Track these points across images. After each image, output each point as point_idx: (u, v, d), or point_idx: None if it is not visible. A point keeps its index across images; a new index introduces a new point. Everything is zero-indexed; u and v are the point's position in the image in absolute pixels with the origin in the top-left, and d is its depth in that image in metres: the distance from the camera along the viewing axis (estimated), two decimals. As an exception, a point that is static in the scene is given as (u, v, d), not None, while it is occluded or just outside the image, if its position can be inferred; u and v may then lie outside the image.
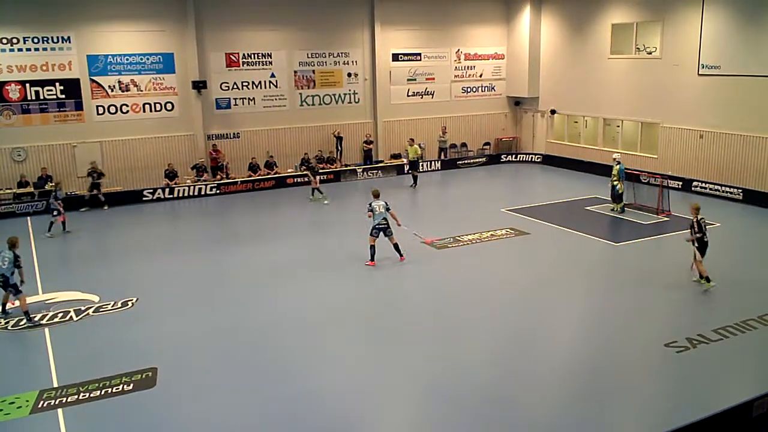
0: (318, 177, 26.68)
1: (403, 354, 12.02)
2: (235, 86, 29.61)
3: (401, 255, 17.26)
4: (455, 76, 34.18)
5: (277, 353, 12.17)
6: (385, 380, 10.99)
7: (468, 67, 34.44)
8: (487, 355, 11.96)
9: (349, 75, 31.87)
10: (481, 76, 34.79)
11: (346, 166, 30.97)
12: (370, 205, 17.28)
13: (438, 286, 15.71)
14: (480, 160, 33.79)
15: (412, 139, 29.33)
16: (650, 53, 28.13)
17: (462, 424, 9.50)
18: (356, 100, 32.13)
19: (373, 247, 17.15)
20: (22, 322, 13.91)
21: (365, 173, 30.80)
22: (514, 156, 34.46)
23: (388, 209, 17.17)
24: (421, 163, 30.06)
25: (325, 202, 25.49)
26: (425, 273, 16.68)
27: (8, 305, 14.45)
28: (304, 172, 28.13)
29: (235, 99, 29.71)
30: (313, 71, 31.12)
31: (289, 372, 11.38)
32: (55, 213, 21.67)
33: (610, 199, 22.83)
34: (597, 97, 30.70)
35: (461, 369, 11.33)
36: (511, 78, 35.07)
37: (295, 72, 30.70)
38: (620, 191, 22.37)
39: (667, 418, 9.40)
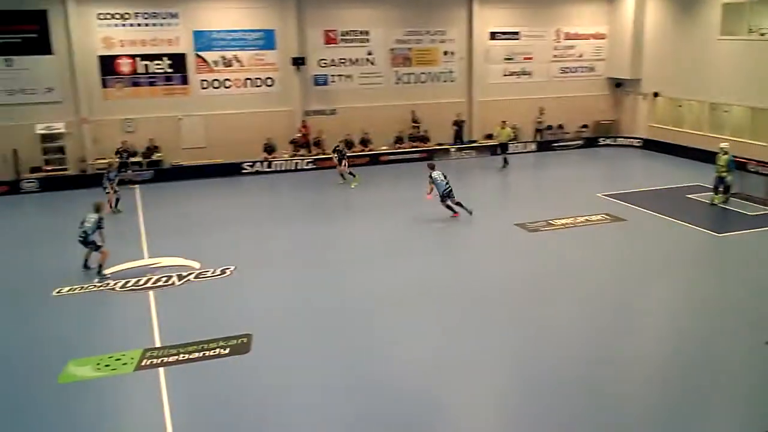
0: (345, 161, 25.83)
1: (492, 334, 12.05)
2: (332, 63, 30.02)
3: (455, 212, 19.31)
4: (554, 55, 33.46)
5: (366, 328, 12.42)
6: (471, 358, 11.07)
7: (567, 46, 33.64)
8: (580, 342, 11.80)
9: (446, 53, 31.72)
10: (580, 56, 33.91)
11: (439, 145, 30.94)
12: (431, 176, 19.43)
13: (531, 269, 15.58)
14: (577, 142, 33.04)
15: (504, 122, 28.96)
16: (764, 35, 26.69)
17: (549, 408, 9.50)
18: (452, 79, 31.98)
19: (448, 206, 19.15)
20: (114, 283, 14.78)
21: (458, 152, 30.70)
22: (612, 139, 33.50)
23: (445, 177, 19.40)
24: (513, 145, 29.71)
25: (354, 185, 25.29)
26: (518, 255, 16.58)
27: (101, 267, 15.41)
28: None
29: (333, 75, 30.13)
30: (410, 49, 31.14)
31: (377, 347, 11.60)
32: (107, 191, 21.59)
33: (713, 189, 21.47)
34: (704, 80, 29.37)
35: (551, 354, 11.27)
36: (612, 59, 34.00)
37: (392, 50, 30.81)
38: (729, 183, 21.14)
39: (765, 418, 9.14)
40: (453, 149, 30.63)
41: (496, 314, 12.91)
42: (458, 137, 31.51)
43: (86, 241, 15.39)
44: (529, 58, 33.05)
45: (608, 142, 33.31)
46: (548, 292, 14.07)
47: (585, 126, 33.97)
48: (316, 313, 13.19)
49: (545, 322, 12.51)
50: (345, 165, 25.82)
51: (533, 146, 32.08)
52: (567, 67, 33.83)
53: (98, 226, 15.49)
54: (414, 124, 31.00)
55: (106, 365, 11.12)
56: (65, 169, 26.32)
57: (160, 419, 9.42)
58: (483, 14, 31.59)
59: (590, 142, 33.21)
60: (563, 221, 19.14)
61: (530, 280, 14.79)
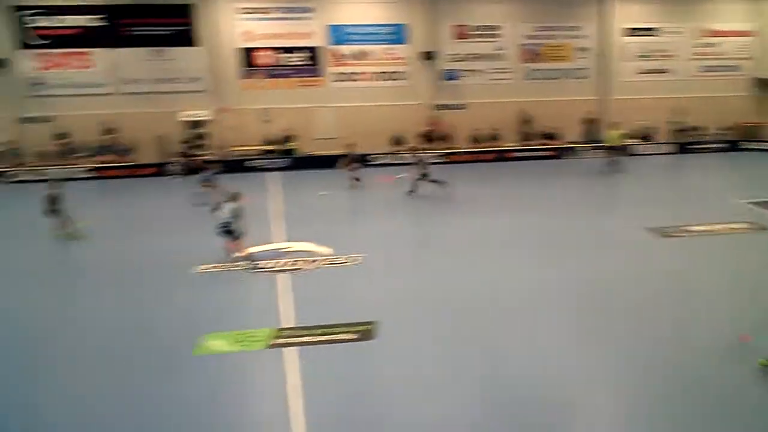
0: (353, 164, 24.31)
1: (614, 343, 11.72)
2: (462, 58, 30.12)
3: None
4: (693, 53, 32.05)
5: (496, 324, 12.38)
6: (593, 368, 10.81)
7: (708, 44, 32.12)
8: (717, 353, 11.17)
9: (578, 50, 31.09)
10: (723, 54, 32.29)
11: (568, 143, 30.42)
12: None
13: (658, 275, 14.98)
14: (717, 145, 31.51)
15: (616, 124, 27.91)
16: None
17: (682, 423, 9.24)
18: (584, 76, 31.31)
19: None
20: (249, 265, 15.56)
21: (588, 152, 30.05)
22: (757, 143, 31.70)
23: None
24: (644, 146, 28.76)
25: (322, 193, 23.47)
26: (647, 261, 15.98)
27: (236, 253, 16.19)
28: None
29: (462, 70, 30.24)
30: (541, 45, 30.75)
31: (506, 345, 11.50)
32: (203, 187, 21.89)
33: None
34: None
35: (681, 365, 10.82)
36: (760, 58, 32.14)
37: (522, 45, 30.55)
38: None
39: None
40: (581, 148, 30.01)
41: (619, 324, 12.49)
42: (589, 136, 30.83)
43: (228, 231, 16.04)
44: (667, 56, 31.85)
45: (752, 146, 31.56)
46: (678, 299, 13.54)
47: (726, 128, 32.31)
48: (445, 304, 13.28)
49: (682, 330, 12.03)
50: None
51: (670, 147, 30.89)
52: (708, 66, 32.31)
53: (235, 215, 16.24)
54: (527, 121, 30.56)
55: (240, 341, 11.74)
56: (206, 155, 27.91)
57: (287, 395, 9.88)
58: (618, 10, 30.74)
59: (732, 146, 31.60)
60: (701, 228, 18.29)
61: (659, 289, 14.21)
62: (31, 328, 12.64)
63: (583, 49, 31.17)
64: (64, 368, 11.01)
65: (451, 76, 30.22)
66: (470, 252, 16.70)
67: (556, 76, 31.09)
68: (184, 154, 26.71)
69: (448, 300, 13.52)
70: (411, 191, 22.35)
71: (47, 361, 11.28)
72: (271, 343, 11.65)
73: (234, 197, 16.29)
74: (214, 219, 16.17)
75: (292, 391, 9.98)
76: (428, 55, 29.16)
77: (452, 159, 28.56)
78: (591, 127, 30.78)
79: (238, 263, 15.74)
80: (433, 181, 22.19)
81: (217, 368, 10.88)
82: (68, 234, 17.67)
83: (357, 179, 23.73)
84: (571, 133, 30.85)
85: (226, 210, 15.95)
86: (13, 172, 26.58)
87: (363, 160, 27.59)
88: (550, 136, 30.25)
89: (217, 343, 11.69)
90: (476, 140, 29.29)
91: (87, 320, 12.96)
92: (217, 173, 22.73)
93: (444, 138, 29.47)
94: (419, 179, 22.13)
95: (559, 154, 29.42)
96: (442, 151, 28.87)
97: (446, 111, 30.14)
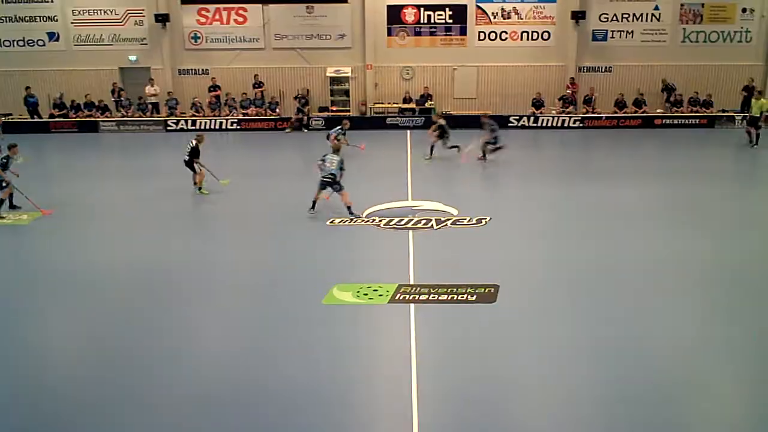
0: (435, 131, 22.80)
1: (749, 321, 11.18)
2: (614, 18, 28.86)
3: None
4: None
5: (619, 294, 12.18)
6: (711, 342, 10.44)
7: None
8: None
9: (744, 11, 28.88)
10: None
11: (723, 111, 28.55)
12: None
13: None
14: None
15: (760, 92, 25.67)
16: None
17: None
18: (747, 39, 29.11)
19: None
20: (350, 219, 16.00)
21: (743, 122, 28.11)
22: None
23: None
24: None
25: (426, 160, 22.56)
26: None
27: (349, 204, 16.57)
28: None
29: (612, 31, 29.02)
30: (702, 5, 28.88)
31: (627, 316, 11.32)
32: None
33: None
34: None
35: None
36: None
37: (682, 5, 28.79)
38: None
39: None
40: (739, 117, 28.09)
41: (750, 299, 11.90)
42: (746, 105, 28.75)
43: (333, 182, 16.51)
44: None
45: None
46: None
47: None
48: (563, 272, 13.16)
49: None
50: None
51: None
52: None
53: (340, 167, 16.62)
54: (669, 89, 28.83)
55: (365, 294, 12.20)
56: (348, 111, 28.61)
57: (406, 350, 10.18)
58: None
59: None
60: None
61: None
62: (175, 270, 13.75)
63: (750, 11, 28.91)
64: (201, 305, 11.95)
65: (600, 36, 29.06)
66: (600, 219, 16.34)
67: (714, 39, 29.10)
68: (327, 109, 27.51)
69: (576, 268, 13.34)
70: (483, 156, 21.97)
71: (186, 294, 12.28)
72: (395, 298, 12.01)
73: (337, 149, 16.80)
74: (320, 171, 16.64)
75: (409, 345, 10.29)
76: (578, 15, 28.14)
77: (591, 124, 27.64)
78: (747, 96, 28.68)
79: (358, 218, 16.20)
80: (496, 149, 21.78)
81: (342, 318, 11.39)
82: (200, 187, 18.70)
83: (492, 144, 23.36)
84: (729, 102, 28.93)
85: (332, 161, 16.42)
86: (170, 121, 28.48)
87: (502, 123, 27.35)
88: (702, 104, 28.51)
89: (344, 295, 12.19)
90: (621, 105, 28.11)
91: (227, 263, 13.92)
92: (345, 130, 22.71)
93: (587, 102, 28.52)
94: (490, 146, 21.74)
95: (712, 122, 27.69)
96: (580, 116, 28.01)
97: (591, 73, 29.10)
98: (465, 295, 12.06)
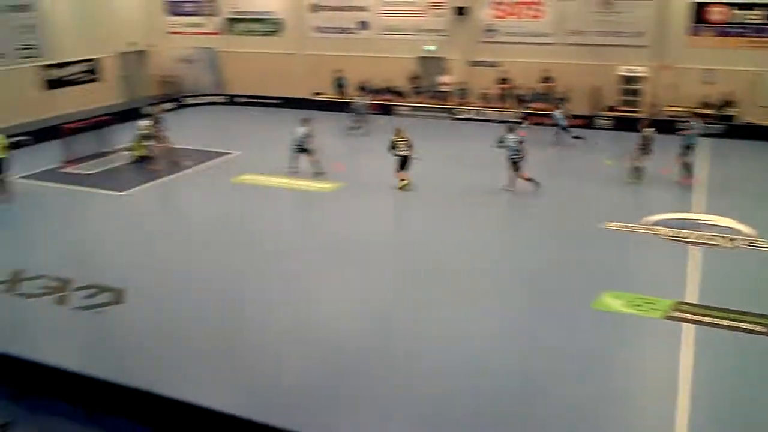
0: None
1: None
2: None
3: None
4: None
5: None
6: None
7: None
8: None
9: None
10: None
11: None
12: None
13: None
14: None
15: None
16: None
17: None
18: None
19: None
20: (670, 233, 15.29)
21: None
22: None
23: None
24: None
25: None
26: None
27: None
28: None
29: None
30: None
31: None
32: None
33: None
34: None
35: None
36: None
37: None
38: None
39: None
40: None
41: None
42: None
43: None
44: None
45: None
46: None
47: None
48: None
49: None
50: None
51: None
52: None
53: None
54: None
55: (637, 305, 11.96)
56: (637, 112, 27.49)
57: (675, 371, 9.87)
58: None
59: None
60: None
61: None
62: (465, 260, 14.56)
63: None
64: (477, 296, 12.61)
65: None
66: None
67: None
68: (614, 109, 26.66)
69: None
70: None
71: (468, 288, 13.01)
72: (669, 314, 11.64)
73: (511, 129, 18.44)
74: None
75: (683, 370, 9.93)
76: None
77: None
78: None
79: (649, 226, 15.68)
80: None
81: (611, 326, 11.33)
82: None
83: None
84: None
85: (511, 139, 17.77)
86: (458, 110, 29.62)
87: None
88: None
89: (615, 302, 12.11)
90: None
91: (501, 253, 14.46)
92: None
93: None
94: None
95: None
96: None
97: None
98: (753, 325, 11.27)
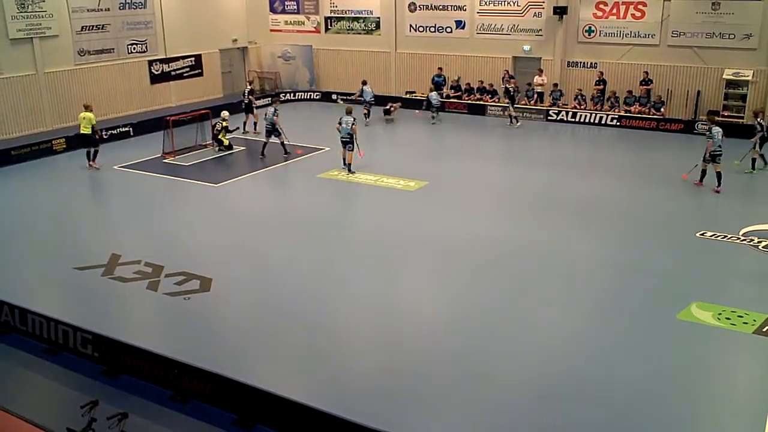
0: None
1: None
2: None
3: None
4: None
5: None
6: None
7: None
8: None
9: None
10: None
11: None
12: None
13: None
14: None
15: None
16: None
17: None
18: None
19: None
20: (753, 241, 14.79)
21: None
22: None
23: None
24: None
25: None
26: None
27: None
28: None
29: None
30: None
31: None
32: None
33: None
34: None
35: None
36: None
37: None
38: None
39: None
40: None
41: None
42: None
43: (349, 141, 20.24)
44: None
45: None
46: None
47: None
48: None
49: None
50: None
51: None
52: None
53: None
54: None
55: (727, 318, 11.63)
56: (741, 118, 26.43)
57: (764, 391, 9.59)
58: None
59: None
60: None
61: None
62: (534, 256, 14.56)
63: None
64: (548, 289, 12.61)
65: None
66: None
67: None
68: (718, 114, 25.70)
69: None
70: None
71: (541, 283, 13.02)
72: (762, 329, 11.31)
73: (349, 111, 20.39)
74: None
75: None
76: None
77: None
78: None
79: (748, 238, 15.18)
80: None
81: (696, 338, 11.11)
82: None
83: None
84: None
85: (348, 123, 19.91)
86: (552, 111, 29.23)
87: None
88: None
89: (703, 314, 11.86)
90: None
91: (588, 258, 14.35)
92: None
93: None
94: None
95: None
96: None
97: None
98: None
